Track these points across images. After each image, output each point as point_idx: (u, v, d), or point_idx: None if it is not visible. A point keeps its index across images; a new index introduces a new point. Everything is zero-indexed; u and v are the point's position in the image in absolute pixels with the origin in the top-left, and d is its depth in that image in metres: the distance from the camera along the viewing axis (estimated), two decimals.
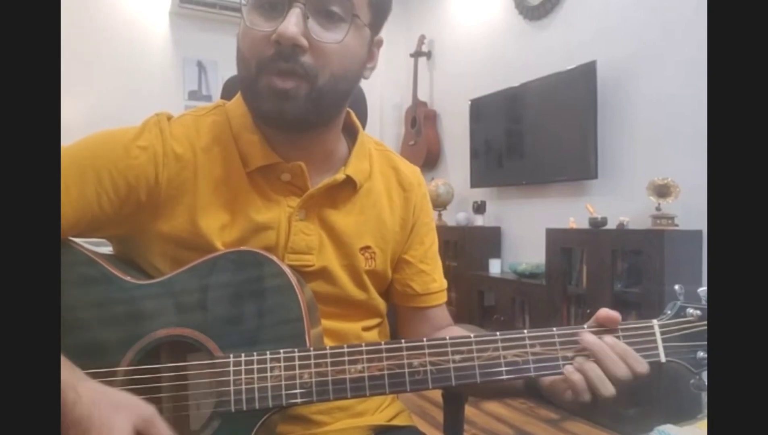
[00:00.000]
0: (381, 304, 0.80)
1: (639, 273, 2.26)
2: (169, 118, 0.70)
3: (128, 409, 0.51)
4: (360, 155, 0.76)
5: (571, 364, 0.60)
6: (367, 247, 0.75)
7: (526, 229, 3.15)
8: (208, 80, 3.82)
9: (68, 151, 0.64)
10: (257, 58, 0.62)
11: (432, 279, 0.81)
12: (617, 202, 2.58)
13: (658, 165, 2.39)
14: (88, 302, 0.61)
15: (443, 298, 0.83)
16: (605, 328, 0.62)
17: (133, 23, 3.61)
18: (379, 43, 0.72)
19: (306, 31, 0.60)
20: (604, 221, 2.49)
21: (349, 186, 0.74)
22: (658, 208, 2.27)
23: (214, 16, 3.68)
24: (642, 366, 0.60)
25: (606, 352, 0.59)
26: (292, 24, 0.59)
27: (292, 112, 0.62)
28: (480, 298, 3.15)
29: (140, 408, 0.52)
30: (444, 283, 0.84)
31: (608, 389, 0.58)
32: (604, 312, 0.62)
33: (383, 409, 0.78)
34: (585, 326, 0.62)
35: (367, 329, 0.77)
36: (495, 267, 3.16)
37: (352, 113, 0.79)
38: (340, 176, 0.72)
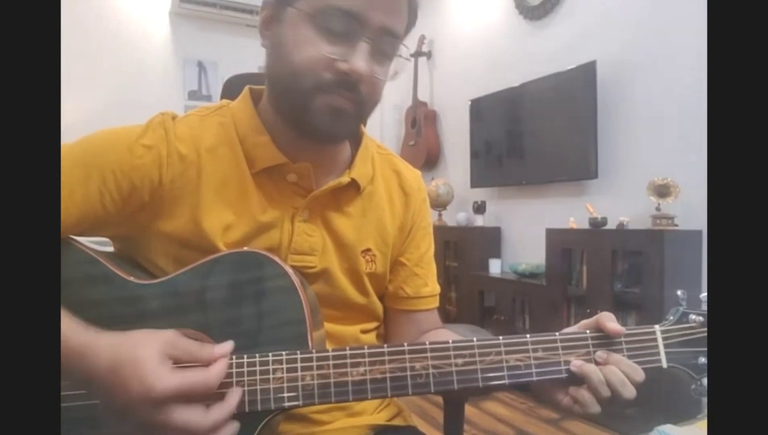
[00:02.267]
0: (379, 307, 0.80)
1: (639, 273, 2.26)
2: (174, 117, 0.70)
3: (149, 341, 0.53)
4: (364, 158, 0.77)
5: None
6: (368, 250, 0.75)
7: (526, 229, 3.15)
8: (208, 80, 3.83)
9: (71, 150, 0.64)
10: (316, 79, 0.63)
11: (424, 283, 0.81)
12: (617, 202, 2.58)
13: (658, 165, 2.39)
14: (91, 301, 0.61)
15: (434, 303, 0.83)
16: (605, 333, 0.60)
17: (133, 23, 3.62)
18: None
19: (370, 66, 0.64)
20: (604, 221, 2.49)
21: (353, 189, 0.74)
22: (658, 208, 2.27)
23: (214, 16, 3.68)
24: (638, 375, 0.59)
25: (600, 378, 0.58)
26: (364, 60, 0.63)
27: (343, 131, 0.68)
28: (480, 298, 3.14)
29: (159, 335, 0.54)
30: (436, 289, 0.83)
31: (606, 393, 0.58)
32: (611, 325, 0.60)
33: (382, 409, 0.78)
34: (588, 332, 0.61)
35: (365, 332, 0.77)
36: (495, 267, 3.16)
37: None
38: (344, 179, 0.72)
